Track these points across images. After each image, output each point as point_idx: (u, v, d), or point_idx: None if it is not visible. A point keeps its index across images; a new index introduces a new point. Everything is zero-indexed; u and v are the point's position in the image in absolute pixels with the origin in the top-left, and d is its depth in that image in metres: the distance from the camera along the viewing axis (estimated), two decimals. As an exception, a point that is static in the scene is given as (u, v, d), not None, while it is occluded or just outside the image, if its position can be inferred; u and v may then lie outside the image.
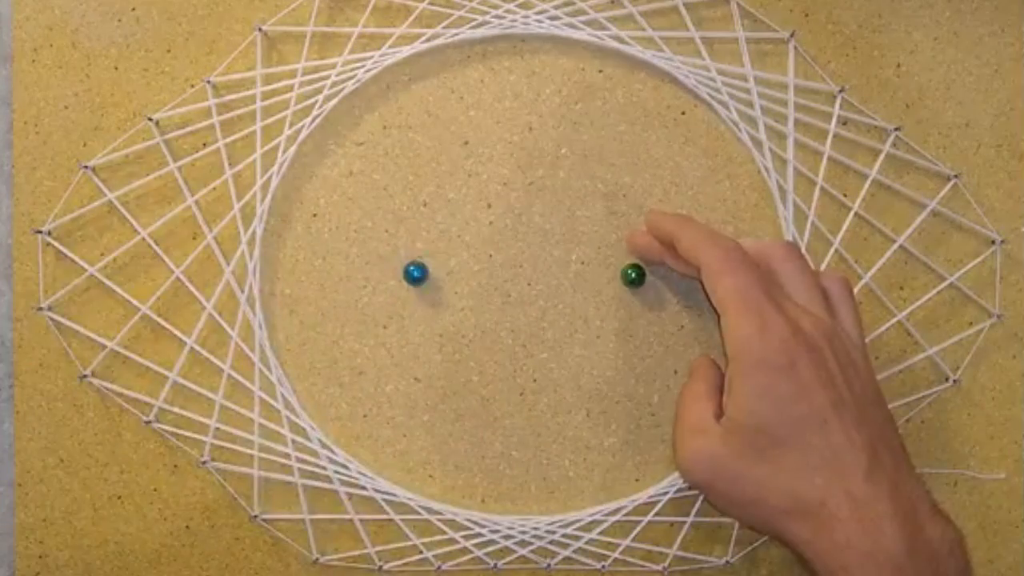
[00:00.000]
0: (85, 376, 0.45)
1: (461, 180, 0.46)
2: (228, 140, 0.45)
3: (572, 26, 0.45)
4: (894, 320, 0.46)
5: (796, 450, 0.35)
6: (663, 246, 0.43)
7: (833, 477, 0.35)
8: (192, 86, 0.45)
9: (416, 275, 0.45)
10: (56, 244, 0.45)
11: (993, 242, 0.47)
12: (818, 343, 0.37)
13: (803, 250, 0.45)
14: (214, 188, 0.45)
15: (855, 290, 0.46)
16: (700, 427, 0.38)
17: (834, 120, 0.46)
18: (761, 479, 0.36)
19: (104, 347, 0.45)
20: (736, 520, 0.39)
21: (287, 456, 0.46)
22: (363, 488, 0.46)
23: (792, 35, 0.45)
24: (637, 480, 0.46)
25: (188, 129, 0.45)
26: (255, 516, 0.46)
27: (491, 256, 0.46)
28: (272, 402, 0.45)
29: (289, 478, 0.46)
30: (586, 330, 0.46)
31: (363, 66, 0.45)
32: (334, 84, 0.45)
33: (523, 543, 0.46)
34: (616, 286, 0.46)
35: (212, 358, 0.45)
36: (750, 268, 0.38)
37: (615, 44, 0.45)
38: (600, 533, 0.46)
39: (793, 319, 0.37)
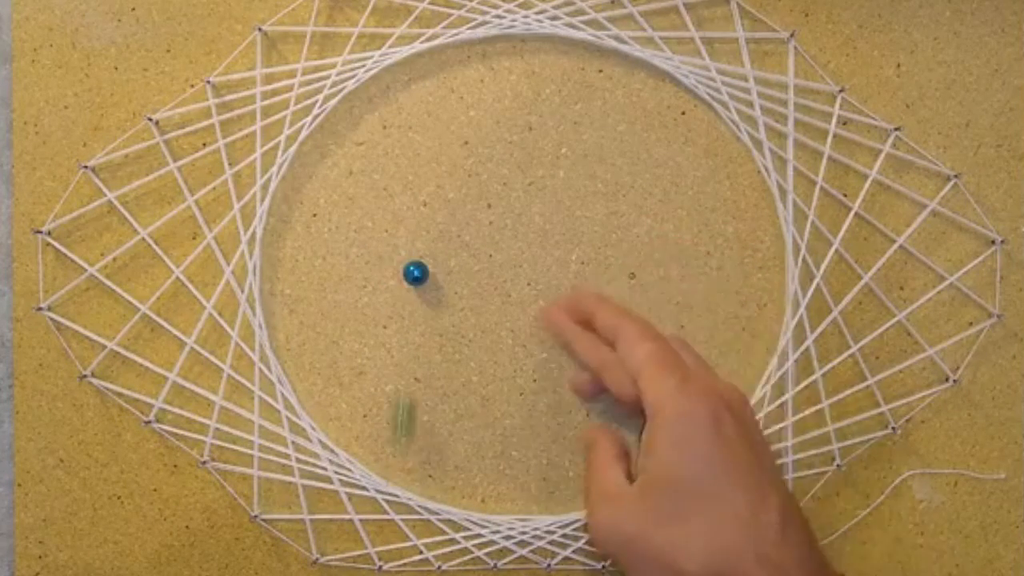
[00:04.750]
0: (85, 376, 0.45)
1: (461, 180, 0.46)
2: (228, 140, 0.45)
3: (572, 26, 0.45)
4: (894, 320, 0.46)
5: (713, 506, 0.34)
6: (575, 323, 0.42)
7: (747, 538, 0.34)
8: (192, 86, 0.45)
9: (416, 275, 0.45)
10: (56, 244, 0.45)
11: (993, 242, 0.47)
12: (737, 404, 0.37)
13: (803, 251, 0.45)
14: (214, 188, 0.45)
15: (855, 290, 0.46)
16: (612, 492, 0.37)
17: (834, 120, 0.46)
18: (675, 541, 0.35)
19: (104, 347, 0.45)
20: None
21: (287, 456, 0.46)
22: (363, 488, 0.46)
23: (792, 35, 0.45)
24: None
25: (188, 129, 0.45)
26: (255, 516, 0.46)
27: (491, 256, 0.46)
28: (272, 402, 0.45)
29: (289, 478, 0.46)
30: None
31: (363, 66, 0.45)
32: (334, 84, 0.45)
33: (523, 543, 0.46)
34: (617, 286, 0.46)
35: (212, 358, 0.45)
36: (663, 338, 0.39)
37: (615, 44, 0.45)
38: (600, 533, 0.46)
39: (711, 380, 0.37)
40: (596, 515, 0.37)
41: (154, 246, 0.45)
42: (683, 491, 0.35)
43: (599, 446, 0.40)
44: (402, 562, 0.46)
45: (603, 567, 0.46)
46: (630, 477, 0.37)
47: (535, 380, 0.46)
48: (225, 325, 0.45)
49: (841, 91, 0.46)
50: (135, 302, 0.45)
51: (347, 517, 0.46)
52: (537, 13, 0.45)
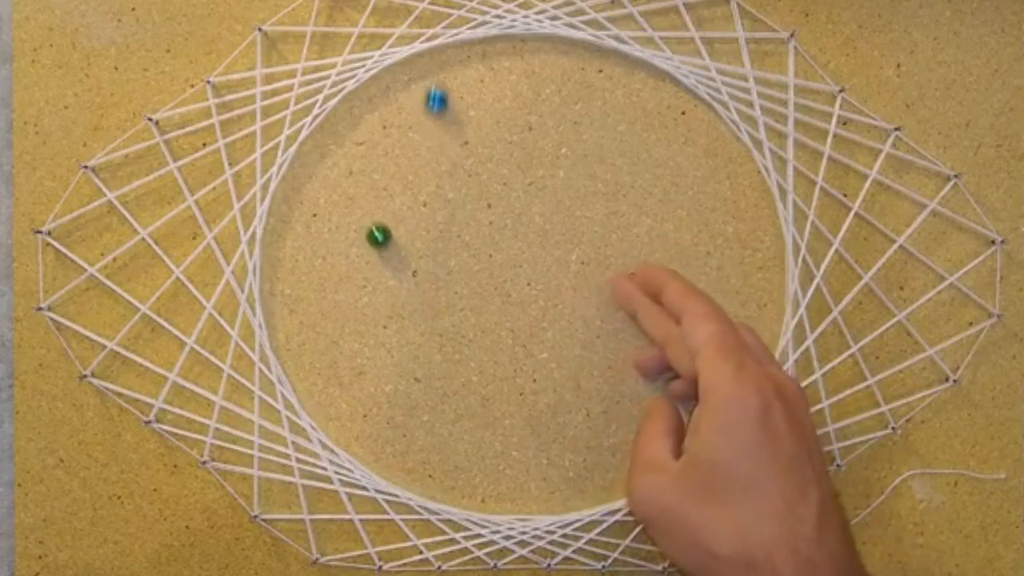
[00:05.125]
0: (85, 376, 0.45)
1: (461, 180, 0.46)
2: (228, 140, 0.45)
3: (572, 26, 0.45)
4: (894, 320, 0.46)
5: (751, 495, 0.35)
6: (645, 295, 0.43)
7: (782, 530, 0.34)
8: (192, 86, 0.45)
9: (439, 98, 0.44)
10: (56, 244, 0.45)
11: (993, 242, 0.47)
12: (792, 397, 0.37)
13: (803, 251, 0.45)
14: (214, 188, 0.45)
15: (855, 290, 0.46)
16: (656, 463, 0.37)
17: (834, 120, 0.46)
18: (709, 523, 0.35)
19: (104, 347, 0.45)
20: (674, 563, 0.37)
21: (287, 456, 0.46)
22: (363, 488, 0.46)
23: (792, 35, 0.45)
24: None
25: (188, 129, 0.45)
26: (255, 516, 0.46)
27: (491, 256, 0.46)
28: (272, 402, 0.45)
29: (289, 478, 0.46)
30: (586, 330, 0.46)
31: (363, 66, 0.45)
32: (334, 84, 0.45)
33: (523, 543, 0.46)
34: (616, 286, 0.46)
35: (212, 358, 0.45)
36: (728, 320, 0.39)
37: (615, 44, 0.45)
38: (600, 533, 0.46)
39: (767, 370, 0.37)
40: (637, 482, 0.37)
41: (154, 246, 0.45)
42: (723, 477, 0.35)
43: (653, 416, 0.40)
44: (402, 562, 0.46)
45: (602, 568, 0.46)
46: (676, 454, 0.38)
47: (535, 380, 0.46)
48: (225, 325, 0.45)
49: (841, 91, 0.46)
50: (135, 302, 0.45)
51: (347, 517, 0.46)
52: (537, 13, 0.45)
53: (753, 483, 0.35)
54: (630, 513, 0.44)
